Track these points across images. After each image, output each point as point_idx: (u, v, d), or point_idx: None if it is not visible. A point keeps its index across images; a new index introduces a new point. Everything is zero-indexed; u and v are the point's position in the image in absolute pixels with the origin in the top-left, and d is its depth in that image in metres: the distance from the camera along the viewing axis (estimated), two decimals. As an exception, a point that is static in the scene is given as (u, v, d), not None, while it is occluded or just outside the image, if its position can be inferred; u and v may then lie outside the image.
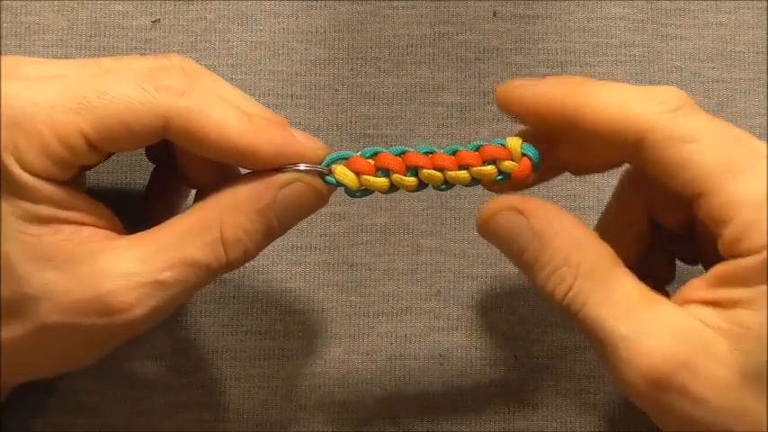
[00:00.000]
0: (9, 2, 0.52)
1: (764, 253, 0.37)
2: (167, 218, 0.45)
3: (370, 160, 0.42)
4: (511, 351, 0.50)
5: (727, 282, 0.39)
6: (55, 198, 0.39)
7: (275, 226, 0.41)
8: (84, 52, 0.52)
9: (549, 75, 0.52)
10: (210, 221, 0.40)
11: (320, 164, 0.41)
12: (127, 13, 0.52)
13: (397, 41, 0.52)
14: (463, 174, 0.42)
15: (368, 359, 0.50)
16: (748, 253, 0.38)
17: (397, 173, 0.42)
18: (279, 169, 0.41)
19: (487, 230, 0.42)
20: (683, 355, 0.38)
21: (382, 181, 0.42)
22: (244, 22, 0.52)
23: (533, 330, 0.51)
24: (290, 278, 0.50)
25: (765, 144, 0.40)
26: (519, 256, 0.41)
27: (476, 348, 0.50)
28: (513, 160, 0.42)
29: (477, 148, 0.42)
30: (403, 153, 0.42)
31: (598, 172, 0.46)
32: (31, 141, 0.38)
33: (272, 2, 0.52)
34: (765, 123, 0.52)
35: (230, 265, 0.41)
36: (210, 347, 0.50)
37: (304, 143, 0.41)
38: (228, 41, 0.52)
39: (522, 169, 0.42)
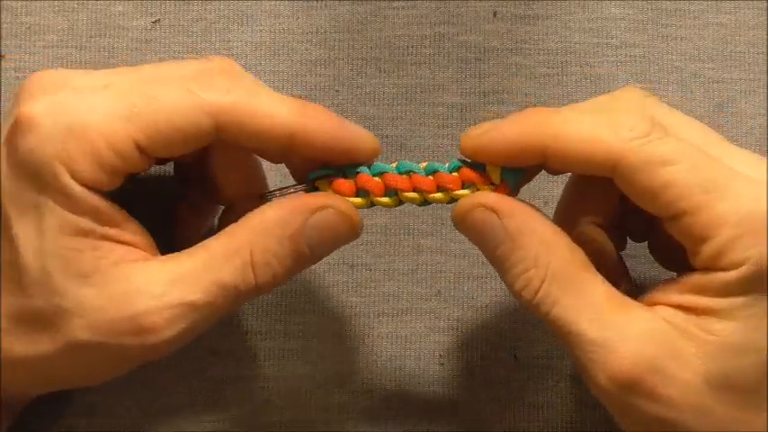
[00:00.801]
0: (9, 2, 0.52)
1: (743, 268, 0.38)
2: (197, 235, 0.45)
3: (352, 180, 0.43)
4: (511, 351, 0.50)
5: (700, 291, 0.40)
6: (98, 211, 0.39)
7: (306, 252, 0.41)
8: (85, 53, 0.52)
9: (548, 75, 0.52)
10: (240, 245, 0.40)
11: (373, 154, 0.42)
12: (127, 13, 0.52)
13: (397, 42, 0.52)
14: (440, 195, 0.43)
15: (368, 359, 0.50)
16: (728, 268, 0.39)
17: (376, 194, 0.43)
18: (264, 195, 0.44)
19: (463, 225, 0.42)
20: (652, 357, 0.39)
21: (361, 201, 0.43)
22: (244, 22, 0.52)
23: (533, 330, 0.51)
24: (291, 278, 0.50)
25: (739, 157, 0.41)
26: (491, 253, 0.42)
27: (476, 349, 0.50)
28: (492, 183, 0.42)
29: (458, 169, 0.43)
30: (382, 173, 0.43)
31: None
32: (83, 149, 0.39)
33: (273, 2, 0.52)
34: (765, 124, 0.52)
35: (259, 289, 0.41)
36: (210, 348, 0.50)
37: (355, 130, 0.42)
38: (228, 42, 0.52)
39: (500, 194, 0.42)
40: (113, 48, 0.52)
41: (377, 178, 0.43)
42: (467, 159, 0.43)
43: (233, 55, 0.52)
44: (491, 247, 0.41)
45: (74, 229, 0.39)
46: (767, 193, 0.39)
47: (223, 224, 0.44)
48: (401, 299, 0.51)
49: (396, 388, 0.50)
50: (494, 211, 0.41)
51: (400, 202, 0.43)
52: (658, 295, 0.41)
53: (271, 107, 0.40)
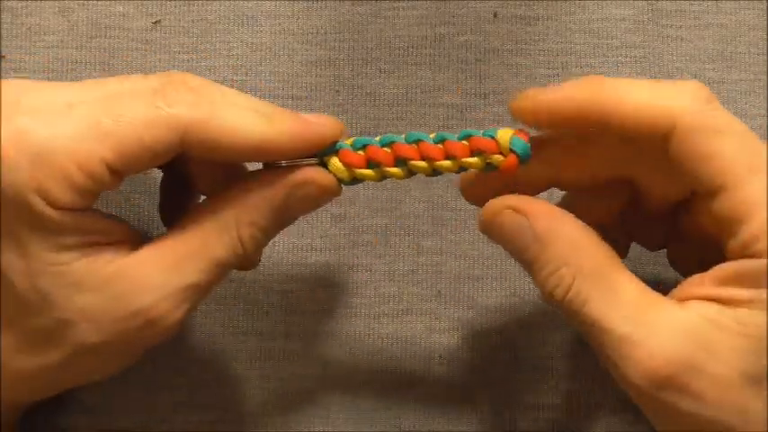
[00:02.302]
0: (9, 3, 0.52)
1: None
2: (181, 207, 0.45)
3: (361, 152, 0.43)
4: (511, 351, 0.51)
5: (735, 281, 0.39)
6: (79, 226, 0.39)
7: (287, 219, 0.42)
8: (85, 53, 0.52)
9: (549, 76, 0.52)
10: (227, 222, 0.41)
11: (338, 135, 0.42)
12: (127, 14, 0.52)
13: (397, 42, 0.52)
14: (448, 163, 0.42)
15: (368, 360, 0.50)
16: (762, 254, 0.38)
17: (385, 165, 0.42)
18: (276, 164, 0.42)
19: (490, 228, 0.42)
20: (686, 354, 0.38)
21: (371, 173, 0.43)
22: (244, 23, 0.52)
23: (534, 331, 0.51)
24: (291, 279, 0.50)
25: None
26: (520, 255, 0.41)
27: (476, 349, 0.51)
28: (501, 153, 0.42)
29: (467, 137, 0.42)
30: (391, 143, 0.43)
31: (585, 189, 0.45)
32: (54, 176, 0.38)
33: (273, 3, 0.52)
34: (766, 124, 0.52)
35: (248, 259, 0.42)
36: (211, 348, 0.50)
37: (318, 123, 0.42)
38: (229, 43, 0.52)
39: (508, 163, 0.42)
40: (114, 49, 0.52)
41: (386, 149, 0.43)
42: (476, 131, 0.42)
43: (233, 56, 0.52)
44: (520, 249, 0.41)
45: (57, 247, 0.39)
46: None
47: None
48: (401, 300, 0.51)
49: (396, 389, 0.50)
50: (521, 212, 0.41)
51: (410, 173, 0.43)
52: (690, 289, 0.40)
53: (237, 122, 0.40)
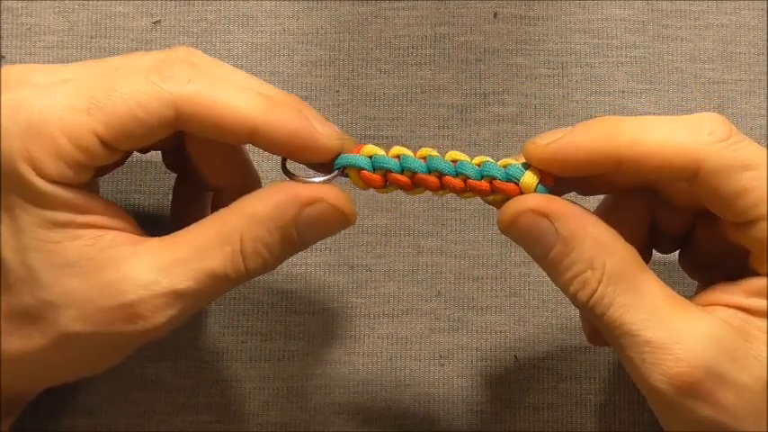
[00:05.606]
0: (10, 3, 0.52)
1: None
2: (191, 214, 0.45)
3: (381, 173, 0.42)
4: (511, 351, 0.50)
5: (764, 294, 0.39)
6: (72, 203, 0.39)
7: (296, 241, 0.41)
8: (85, 53, 0.52)
9: (549, 76, 0.52)
10: (230, 233, 0.40)
11: (334, 154, 0.41)
12: (127, 14, 0.52)
13: (397, 42, 0.52)
14: (468, 194, 0.42)
15: (368, 360, 0.50)
16: None
17: (405, 190, 0.42)
18: (296, 180, 0.41)
19: (510, 231, 0.41)
20: (711, 361, 0.38)
21: (389, 190, 0.42)
22: (244, 23, 0.52)
23: (533, 331, 0.51)
24: (291, 279, 0.50)
25: None
26: (543, 257, 0.40)
27: (476, 349, 0.51)
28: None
29: (490, 177, 0.41)
30: (412, 171, 0.42)
31: (608, 193, 0.45)
32: (44, 146, 0.38)
33: (273, 3, 0.52)
34: (766, 125, 0.52)
35: (249, 275, 0.41)
36: (211, 349, 0.50)
37: (320, 130, 0.41)
38: (229, 42, 0.52)
39: None
40: (114, 48, 0.52)
41: (406, 173, 0.42)
42: (500, 169, 0.42)
43: (233, 56, 0.52)
44: (542, 252, 0.40)
45: (50, 223, 0.39)
46: None
47: (215, 207, 0.43)
48: (401, 300, 0.51)
49: (396, 388, 0.50)
50: (544, 215, 0.40)
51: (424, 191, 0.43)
52: (716, 296, 0.40)
53: (232, 99, 0.39)
